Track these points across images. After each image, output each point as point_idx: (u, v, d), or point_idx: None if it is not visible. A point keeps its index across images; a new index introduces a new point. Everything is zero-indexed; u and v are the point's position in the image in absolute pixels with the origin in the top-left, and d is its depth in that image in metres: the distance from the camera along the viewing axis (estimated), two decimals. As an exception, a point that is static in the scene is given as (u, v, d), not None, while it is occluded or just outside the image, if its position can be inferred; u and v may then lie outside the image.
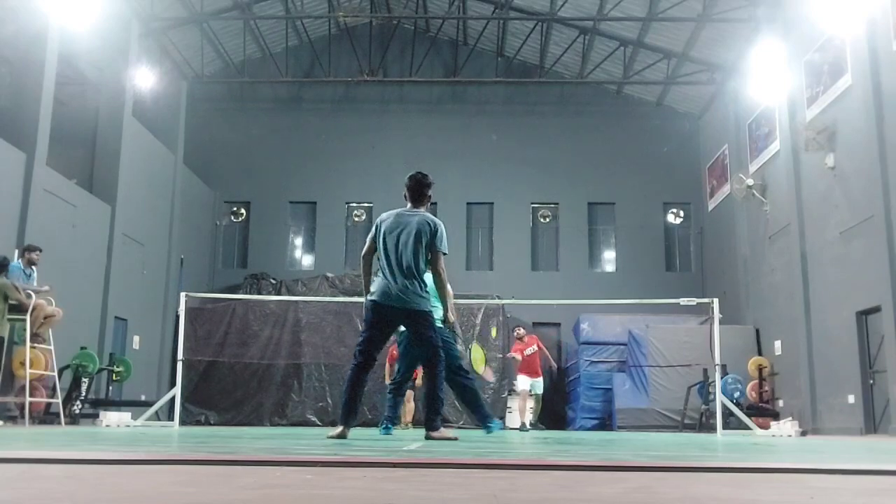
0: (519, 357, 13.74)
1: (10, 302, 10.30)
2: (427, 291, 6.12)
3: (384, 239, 6.02)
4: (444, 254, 6.06)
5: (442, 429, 6.17)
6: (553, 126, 22.55)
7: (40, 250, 11.06)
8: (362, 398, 6.38)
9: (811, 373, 15.09)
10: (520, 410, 13.99)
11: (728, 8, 17.46)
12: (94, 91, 17.00)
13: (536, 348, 13.88)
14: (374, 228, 6.18)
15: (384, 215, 6.19)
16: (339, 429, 5.89)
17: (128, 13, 17.24)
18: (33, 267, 10.91)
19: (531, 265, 22.37)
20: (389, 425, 7.74)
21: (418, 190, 6.17)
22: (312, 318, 18.10)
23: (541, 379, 14.01)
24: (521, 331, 14.19)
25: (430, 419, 6.14)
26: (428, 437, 6.04)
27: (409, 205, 6.19)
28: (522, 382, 13.81)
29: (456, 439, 6.03)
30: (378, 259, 6.09)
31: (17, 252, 11.63)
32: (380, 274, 6.06)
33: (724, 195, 20.11)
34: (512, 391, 17.86)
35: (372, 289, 6.08)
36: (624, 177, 22.17)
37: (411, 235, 5.96)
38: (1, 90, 14.37)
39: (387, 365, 14.19)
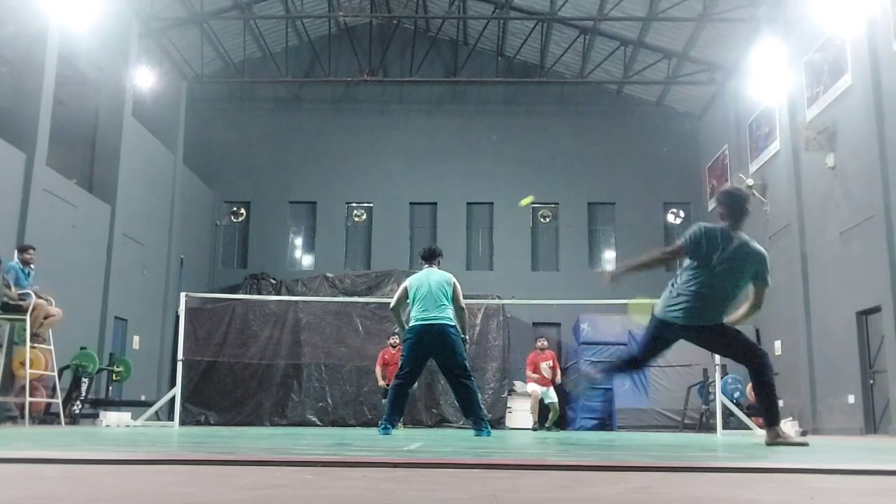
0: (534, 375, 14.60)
1: (4, 300, 10.31)
2: None
3: (710, 259, 5.41)
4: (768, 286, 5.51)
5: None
6: (553, 126, 22.54)
7: (33, 249, 11.06)
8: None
9: (811, 373, 15.09)
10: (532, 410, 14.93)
11: (728, 8, 17.45)
12: (94, 91, 16.99)
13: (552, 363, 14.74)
14: (694, 237, 5.48)
15: (704, 227, 5.53)
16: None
17: (127, 13, 17.24)
18: (31, 266, 10.91)
19: (531, 265, 22.36)
20: (389, 426, 7.72)
21: (740, 208, 5.55)
22: (312, 318, 18.09)
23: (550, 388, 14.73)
24: (544, 342, 15.11)
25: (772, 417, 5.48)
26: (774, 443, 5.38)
27: (726, 223, 5.55)
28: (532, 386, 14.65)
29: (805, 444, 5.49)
30: (691, 275, 5.49)
31: (16, 252, 11.62)
32: (688, 294, 5.47)
33: (724, 195, 20.08)
34: (512, 391, 17.86)
35: (674, 304, 5.53)
36: (624, 177, 22.17)
37: (739, 263, 5.41)
38: (1, 90, 14.36)
39: (378, 367, 14.21)
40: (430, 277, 7.92)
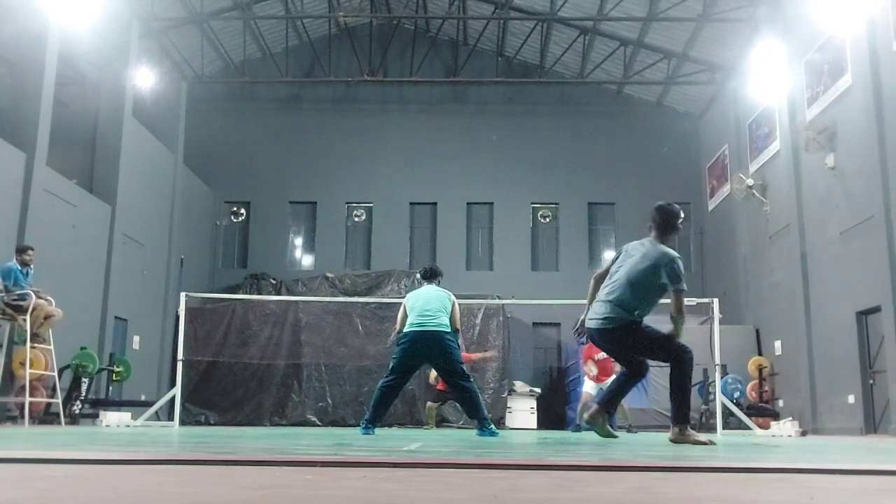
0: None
1: (6, 301, 10.33)
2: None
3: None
4: (683, 290, 5.88)
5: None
6: (553, 126, 22.55)
7: (32, 249, 11.05)
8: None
9: (811, 373, 15.09)
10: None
11: (728, 8, 17.46)
12: (94, 91, 16.99)
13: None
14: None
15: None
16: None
17: (128, 13, 17.23)
18: (30, 266, 10.91)
19: (531, 265, 22.36)
20: (371, 426, 7.72)
21: (667, 222, 6.12)
22: (312, 318, 18.09)
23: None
24: None
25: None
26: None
27: (653, 234, 6.15)
28: (587, 386, 12.94)
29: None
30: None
31: (15, 253, 11.60)
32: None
33: (724, 195, 20.11)
34: (512, 391, 17.86)
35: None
36: (624, 177, 22.16)
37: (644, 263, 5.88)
38: (1, 90, 14.36)
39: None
40: (429, 292, 8.00)
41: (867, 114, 12.98)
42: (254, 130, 22.47)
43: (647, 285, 5.87)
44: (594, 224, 22.66)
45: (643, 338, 5.96)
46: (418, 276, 8.54)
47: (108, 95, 16.86)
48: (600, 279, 6.30)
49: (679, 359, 5.90)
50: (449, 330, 7.78)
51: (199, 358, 17.12)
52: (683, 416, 5.70)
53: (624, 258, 6.11)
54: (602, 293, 6.05)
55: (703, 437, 5.79)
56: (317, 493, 1.94)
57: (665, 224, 6.11)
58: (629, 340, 5.99)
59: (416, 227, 22.67)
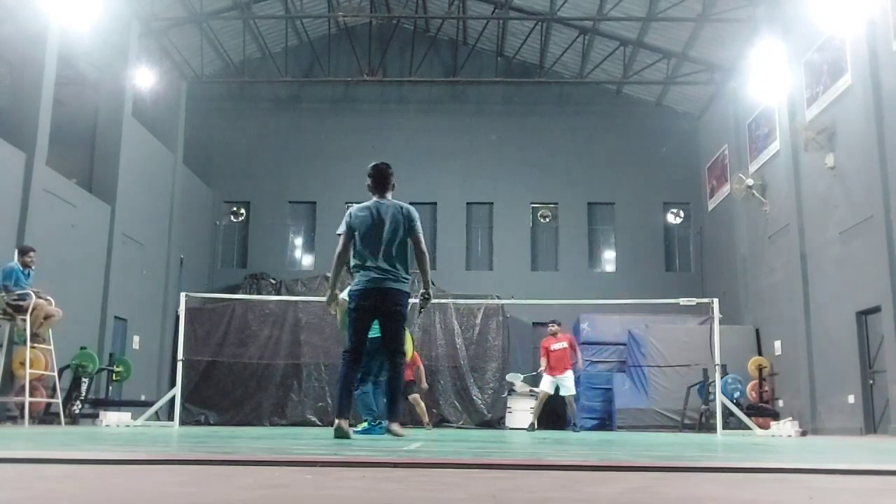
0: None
1: (6, 301, 10.33)
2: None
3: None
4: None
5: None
6: (553, 126, 22.55)
7: (34, 251, 11.06)
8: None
9: (811, 373, 15.09)
10: (534, 410, 13.51)
11: (727, 8, 17.46)
12: (93, 91, 16.99)
13: (566, 345, 13.15)
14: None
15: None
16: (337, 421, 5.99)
17: (128, 13, 17.24)
18: (31, 267, 10.91)
19: (531, 265, 22.36)
20: (376, 424, 7.77)
21: (384, 179, 6.45)
22: (312, 318, 18.09)
23: (568, 374, 13.10)
24: (555, 327, 13.41)
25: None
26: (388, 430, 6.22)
27: (377, 194, 6.43)
28: (544, 384, 13.17)
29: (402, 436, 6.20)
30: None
31: (16, 252, 11.61)
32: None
33: (724, 195, 20.11)
34: (512, 391, 17.87)
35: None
36: (624, 177, 22.17)
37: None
38: (1, 90, 14.36)
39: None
40: None
41: (867, 114, 12.98)
42: (253, 130, 22.47)
43: (406, 245, 6.24)
44: (594, 224, 22.67)
45: (403, 314, 6.23)
46: None
47: (108, 95, 16.87)
48: (346, 255, 6.52)
49: (401, 359, 6.24)
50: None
51: (199, 358, 17.12)
52: (397, 413, 6.37)
53: (371, 226, 6.29)
54: (377, 261, 6.17)
55: (402, 430, 6.38)
56: (317, 493, 1.94)
57: (384, 181, 6.52)
58: (400, 309, 6.17)
59: (415, 227, 22.64)
